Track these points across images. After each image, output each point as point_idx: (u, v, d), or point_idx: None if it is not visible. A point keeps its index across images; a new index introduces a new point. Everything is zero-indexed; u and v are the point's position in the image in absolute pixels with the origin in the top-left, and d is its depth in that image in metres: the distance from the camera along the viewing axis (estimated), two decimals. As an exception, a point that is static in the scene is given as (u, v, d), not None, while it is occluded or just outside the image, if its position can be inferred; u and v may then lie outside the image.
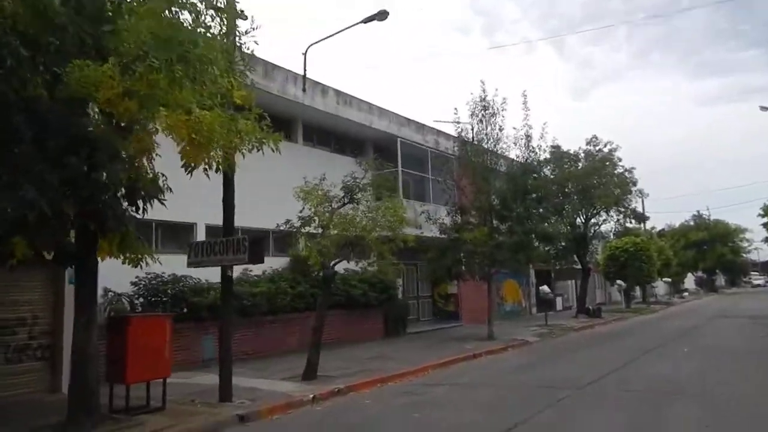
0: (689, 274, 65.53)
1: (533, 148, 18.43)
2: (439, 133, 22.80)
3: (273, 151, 8.25)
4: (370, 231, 12.00)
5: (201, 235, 15.31)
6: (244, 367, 13.08)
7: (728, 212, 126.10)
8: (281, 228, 11.99)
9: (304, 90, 17.55)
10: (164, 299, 12.92)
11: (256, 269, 15.97)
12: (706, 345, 15.82)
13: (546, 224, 18.74)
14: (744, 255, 74.82)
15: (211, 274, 12.81)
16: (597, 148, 28.37)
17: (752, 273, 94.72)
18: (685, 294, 55.92)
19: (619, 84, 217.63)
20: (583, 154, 28.37)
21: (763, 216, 35.84)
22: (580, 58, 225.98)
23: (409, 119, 22.47)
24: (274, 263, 16.37)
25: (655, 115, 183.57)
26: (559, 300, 34.70)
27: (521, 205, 17.92)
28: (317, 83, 18.44)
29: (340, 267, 16.31)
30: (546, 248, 23.89)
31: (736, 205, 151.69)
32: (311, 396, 9.74)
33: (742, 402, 8.31)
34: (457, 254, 17.41)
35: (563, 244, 28.33)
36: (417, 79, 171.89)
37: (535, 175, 18.95)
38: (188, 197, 10.01)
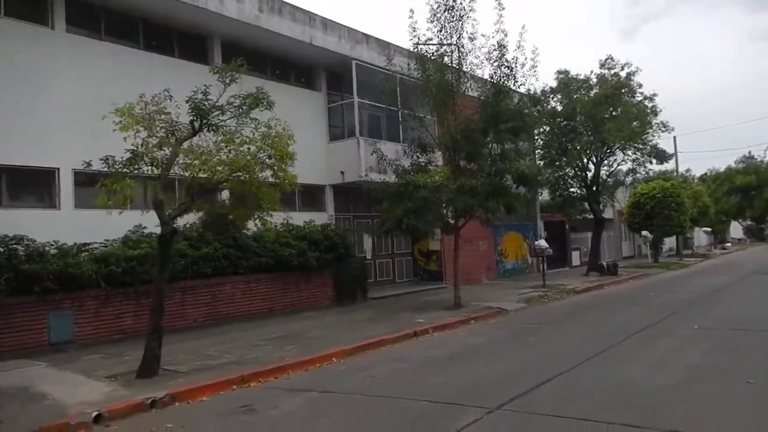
0: (735, 223, 59.78)
1: (508, 62, 13.83)
2: (411, 54, 18.38)
3: None
4: (251, 169, 8.58)
5: (67, 184, 12.16)
6: (98, 353, 10.29)
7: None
8: (98, 169, 8.37)
9: None
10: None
11: (152, 226, 12.71)
12: (724, 319, 11.60)
13: (523, 161, 14.31)
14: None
15: (88, 235, 11.32)
16: (613, 71, 23.19)
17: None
18: (728, 245, 50.67)
19: (668, 21, 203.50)
20: (595, 80, 23.32)
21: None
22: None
23: (367, 35, 18.16)
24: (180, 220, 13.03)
25: (707, 53, 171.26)
26: (575, 254, 30.78)
27: (494, 139, 13.91)
28: (228, -22, 14.19)
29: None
30: (534, 192, 19.75)
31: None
32: (94, 414, 6.47)
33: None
34: (410, 203, 13.58)
35: (574, 189, 24.16)
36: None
37: (514, 97, 14.62)
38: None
